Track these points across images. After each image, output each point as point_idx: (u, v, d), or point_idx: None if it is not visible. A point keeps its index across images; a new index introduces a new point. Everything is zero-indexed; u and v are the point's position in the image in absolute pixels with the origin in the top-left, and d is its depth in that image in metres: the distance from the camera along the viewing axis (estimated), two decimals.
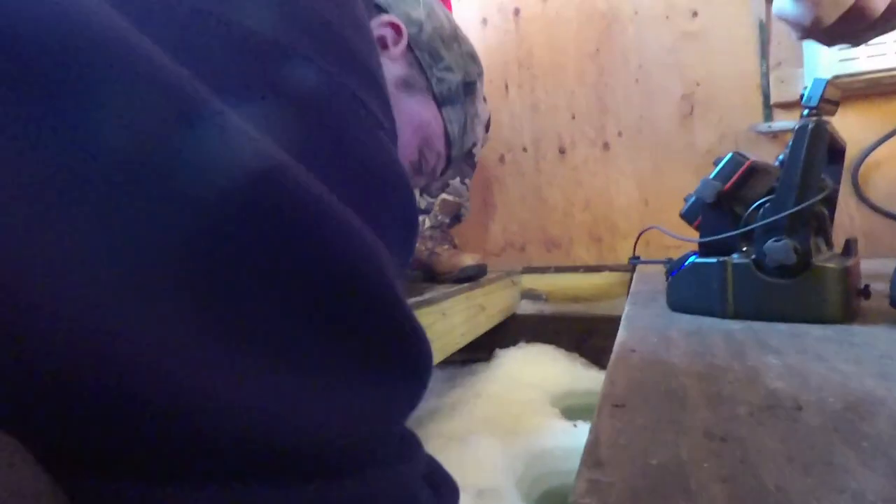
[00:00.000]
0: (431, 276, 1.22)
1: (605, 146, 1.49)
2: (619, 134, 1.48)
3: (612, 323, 1.38)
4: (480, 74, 0.61)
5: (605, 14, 1.49)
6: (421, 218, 1.25)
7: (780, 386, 0.34)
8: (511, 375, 1.37)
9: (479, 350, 1.39)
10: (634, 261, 0.82)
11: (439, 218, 1.25)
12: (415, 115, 0.51)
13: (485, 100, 1.26)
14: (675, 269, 0.65)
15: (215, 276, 0.17)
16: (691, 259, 0.63)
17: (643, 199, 1.45)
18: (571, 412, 1.19)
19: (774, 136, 1.32)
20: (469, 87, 0.57)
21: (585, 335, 1.42)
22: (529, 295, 1.53)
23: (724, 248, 0.60)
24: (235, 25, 0.21)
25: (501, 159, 1.62)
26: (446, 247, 1.23)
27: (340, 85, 0.24)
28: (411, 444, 0.24)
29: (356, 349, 0.20)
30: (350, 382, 0.20)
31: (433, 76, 0.53)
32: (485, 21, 1.63)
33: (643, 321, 0.59)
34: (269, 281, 0.18)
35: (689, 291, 0.62)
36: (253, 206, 0.18)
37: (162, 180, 0.16)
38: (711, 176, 0.62)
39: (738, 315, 0.57)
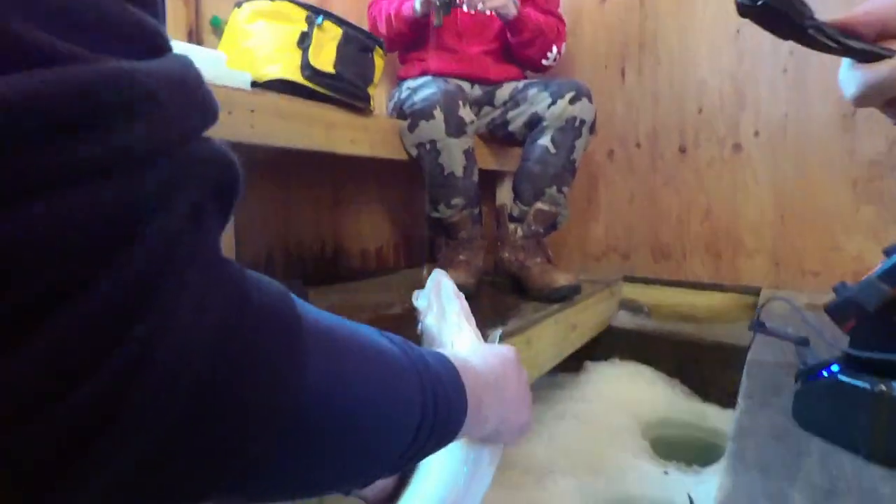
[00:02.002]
0: (521, 289, 1.15)
1: (736, 147, 1.28)
2: (756, 134, 1.25)
3: (724, 352, 1.24)
4: None
5: None
6: (513, 226, 1.17)
7: None
8: (600, 395, 1.29)
9: (567, 360, 1.31)
10: (758, 328, 0.69)
11: (532, 228, 1.16)
12: None
13: (589, 100, 1.12)
14: (810, 375, 0.53)
15: None
16: (834, 370, 0.50)
17: (779, 216, 1.23)
18: (664, 446, 1.09)
19: None
20: None
21: (691, 360, 1.28)
22: (629, 307, 1.40)
23: (882, 369, 0.47)
24: None
25: (610, 155, 1.46)
26: (538, 260, 1.15)
27: None
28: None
29: None
30: None
31: None
32: None
33: (758, 454, 0.49)
34: None
35: (825, 412, 0.50)
36: None
37: None
38: (877, 273, 0.48)
39: (888, 462, 0.45)
